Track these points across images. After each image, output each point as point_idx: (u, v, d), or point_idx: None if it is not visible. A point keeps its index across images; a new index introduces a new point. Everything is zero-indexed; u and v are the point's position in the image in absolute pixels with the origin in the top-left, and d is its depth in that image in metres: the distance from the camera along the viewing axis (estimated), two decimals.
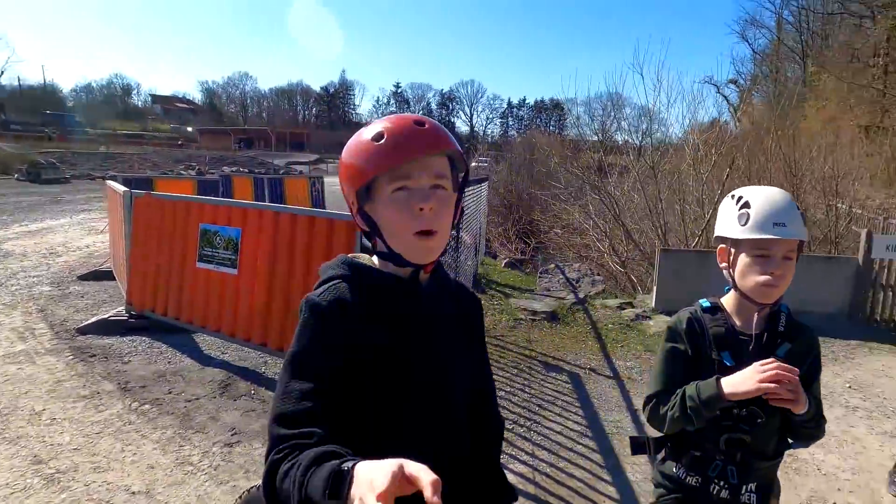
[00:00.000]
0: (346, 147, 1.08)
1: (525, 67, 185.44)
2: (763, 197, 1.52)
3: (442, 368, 1.12)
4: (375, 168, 1.00)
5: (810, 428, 1.54)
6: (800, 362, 1.50)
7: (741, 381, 1.42)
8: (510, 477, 3.38)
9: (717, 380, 1.47)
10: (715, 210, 10.27)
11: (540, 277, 9.11)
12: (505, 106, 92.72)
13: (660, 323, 7.18)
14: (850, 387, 5.32)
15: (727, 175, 9.69)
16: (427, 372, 1.09)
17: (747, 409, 1.52)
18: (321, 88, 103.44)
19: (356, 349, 1.01)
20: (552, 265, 9.80)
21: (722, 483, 1.57)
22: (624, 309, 7.73)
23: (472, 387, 1.22)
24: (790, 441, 1.64)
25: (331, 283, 1.07)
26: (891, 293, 7.39)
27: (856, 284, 7.42)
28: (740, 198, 1.56)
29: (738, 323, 1.60)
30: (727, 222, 1.57)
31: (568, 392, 4.93)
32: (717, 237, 1.64)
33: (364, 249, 1.26)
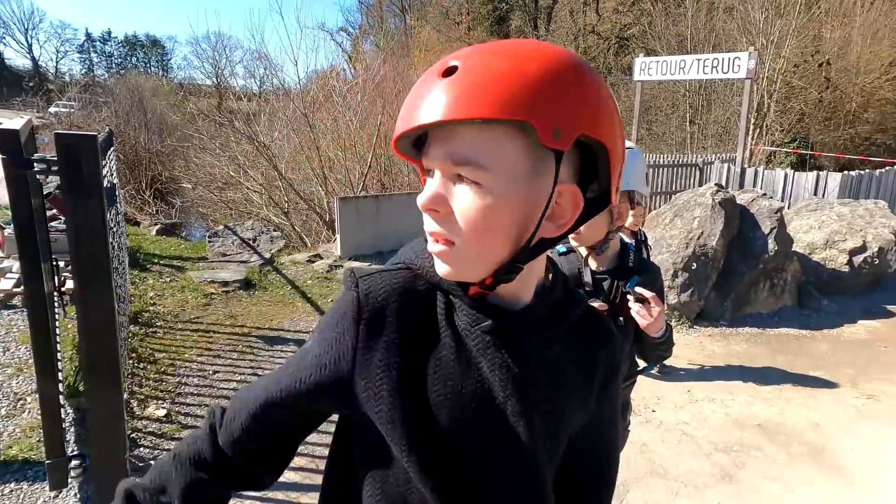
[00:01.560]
0: None
1: None
2: None
3: (514, 440, 0.71)
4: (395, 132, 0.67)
5: (662, 350, 1.72)
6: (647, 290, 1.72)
7: None
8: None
9: None
10: (374, 153, 10.85)
11: (209, 242, 8.01)
12: (83, 38, 75.66)
13: None
14: None
15: (380, 121, 10.18)
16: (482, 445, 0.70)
17: None
18: None
19: (382, 366, 0.69)
20: (220, 226, 8.73)
21: None
22: (314, 262, 7.50)
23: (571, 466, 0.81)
24: (640, 364, 1.87)
25: (392, 267, 0.75)
26: None
27: None
28: None
29: (593, 264, 1.70)
30: None
31: None
32: None
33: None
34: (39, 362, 2.83)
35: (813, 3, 14.95)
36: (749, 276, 6.00)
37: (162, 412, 3.47)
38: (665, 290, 5.58)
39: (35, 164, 2.67)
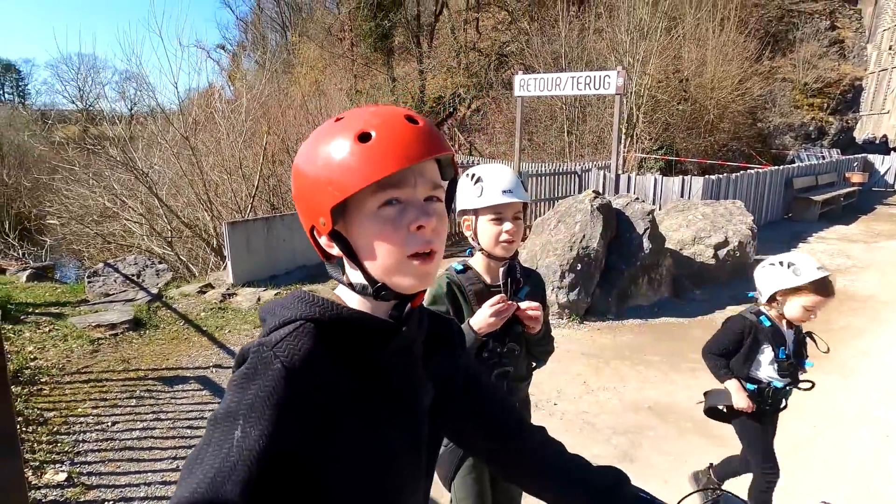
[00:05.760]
0: (306, 151, 0.83)
1: None
2: (492, 172, 1.80)
3: (420, 427, 0.95)
4: (363, 178, 0.77)
5: (544, 345, 1.94)
6: (534, 297, 1.89)
7: (483, 319, 1.71)
8: None
9: (469, 326, 1.71)
10: (262, 174, 10.53)
11: (89, 283, 7.40)
12: None
13: (248, 296, 7.00)
14: None
15: (266, 141, 9.96)
16: (408, 438, 0.91)
17: (507, 345, 1.83)
18: None
19: (322, 418, 0.80)
20: (100, 264, 8.09)
21: None
22: (205, 292, 7.19)
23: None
24: (534, 363, 2.04)
25: (294, 328, 0.80)
26: None
27: None
28: (474, 175, 1.82)
29: (487, 279, 1.85)
30: (466, 197, 1.81)
31: (207, 398, 4.38)
32: (459, 211, 1.87)
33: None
34: None
35: (672, 28, 16.63)
36: (629, 273, 6.56)
37: (62, 476, 3.23)
38: (551, 289, 5.94)
39: None
